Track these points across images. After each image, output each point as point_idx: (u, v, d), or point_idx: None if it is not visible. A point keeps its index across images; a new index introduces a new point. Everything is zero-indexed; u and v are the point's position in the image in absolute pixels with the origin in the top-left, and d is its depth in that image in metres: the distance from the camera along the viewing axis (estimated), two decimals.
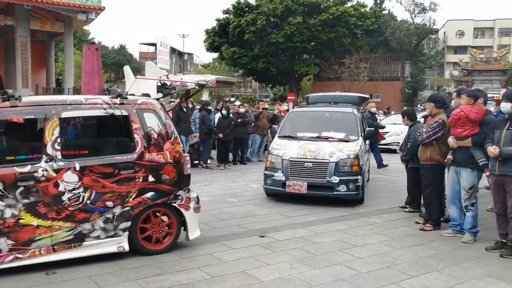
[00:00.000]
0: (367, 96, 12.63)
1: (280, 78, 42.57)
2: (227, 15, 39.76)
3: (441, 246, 6.13)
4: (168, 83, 5.84)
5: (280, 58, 38.88)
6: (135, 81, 6.07)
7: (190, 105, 13.87)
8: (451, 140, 6.37)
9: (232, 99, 30.43)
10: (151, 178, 5.49)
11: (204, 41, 41.27)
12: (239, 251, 5.84)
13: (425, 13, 40.07)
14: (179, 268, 5.23)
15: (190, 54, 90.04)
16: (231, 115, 13.70)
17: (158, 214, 5.67)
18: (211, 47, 41.25)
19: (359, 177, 8.36)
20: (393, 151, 13.59)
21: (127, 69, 6.47)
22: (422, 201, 7.75)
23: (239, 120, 13.82)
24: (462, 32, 73.76)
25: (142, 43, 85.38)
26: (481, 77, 41.54)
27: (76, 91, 28.09)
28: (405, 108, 17.91)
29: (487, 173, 6.41)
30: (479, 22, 73.58)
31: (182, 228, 5.84)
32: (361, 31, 38.16)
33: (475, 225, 6.37)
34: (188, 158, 5.91)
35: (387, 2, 42.99)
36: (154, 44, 73.63)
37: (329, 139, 8.92)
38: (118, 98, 5.49)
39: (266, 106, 18.45)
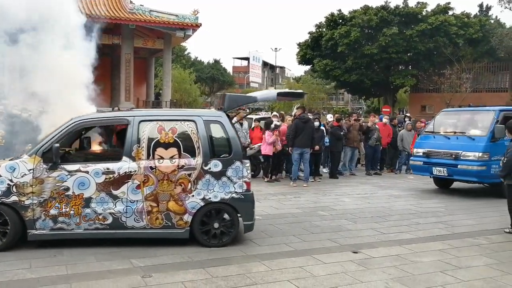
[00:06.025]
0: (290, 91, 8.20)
1: (374, 90, 41.49)
2: (320, 29, 39.62)
3: None
4: None
5: (374, 70, 37.91)
6: None
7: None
8: None
9: (325, 112, 30.08)
10: None
11: (296, 54, 41.43)
12: (331, 266, 5.62)
13: None
14: (270, 279, 5.15)
15: (282, 68, 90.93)
16: (322, 127, 13.48)
17: None
18: (303, 60, 41.28)
19: None
20: None
21: None
22: None
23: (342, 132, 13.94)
24: None
25: (235, 57, 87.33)
26: None
27: (173, 104, 29.63)
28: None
29: None
30: None
31: None
32: (463, 40, 36.08)
33: None
34: None
35: (494, 8, 39.87)
36: (247, 58, 75.46)
37: None
38: None
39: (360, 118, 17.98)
